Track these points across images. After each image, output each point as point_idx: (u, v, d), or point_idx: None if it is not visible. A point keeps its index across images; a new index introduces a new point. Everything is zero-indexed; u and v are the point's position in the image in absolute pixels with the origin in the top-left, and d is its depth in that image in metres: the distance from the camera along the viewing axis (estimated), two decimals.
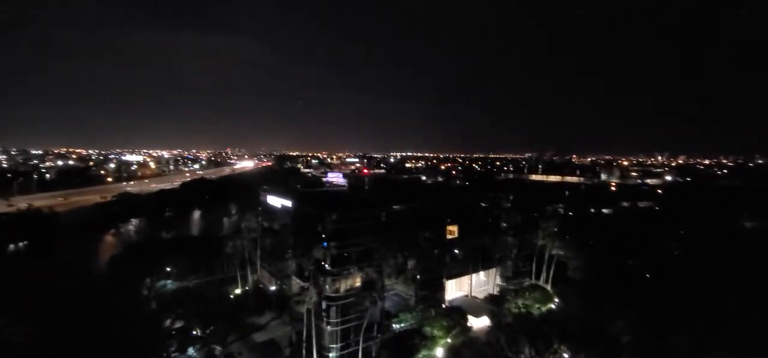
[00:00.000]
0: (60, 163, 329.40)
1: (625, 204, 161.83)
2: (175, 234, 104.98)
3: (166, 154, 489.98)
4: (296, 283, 59.86)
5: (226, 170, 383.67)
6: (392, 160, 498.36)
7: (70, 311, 64.49)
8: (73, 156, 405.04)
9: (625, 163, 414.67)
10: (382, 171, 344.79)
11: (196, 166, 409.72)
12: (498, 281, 71.64)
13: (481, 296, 69.59)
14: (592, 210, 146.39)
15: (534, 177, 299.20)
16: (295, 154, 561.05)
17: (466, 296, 69.07)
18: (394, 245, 56.58)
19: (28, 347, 52.30)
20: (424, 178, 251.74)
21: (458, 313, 56.31)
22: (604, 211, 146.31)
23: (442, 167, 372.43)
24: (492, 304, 65.13)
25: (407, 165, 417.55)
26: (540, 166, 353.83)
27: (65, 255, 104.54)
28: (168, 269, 73.60)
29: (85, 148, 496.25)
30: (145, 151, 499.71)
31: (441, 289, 63.46)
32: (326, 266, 49.67)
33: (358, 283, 50.74)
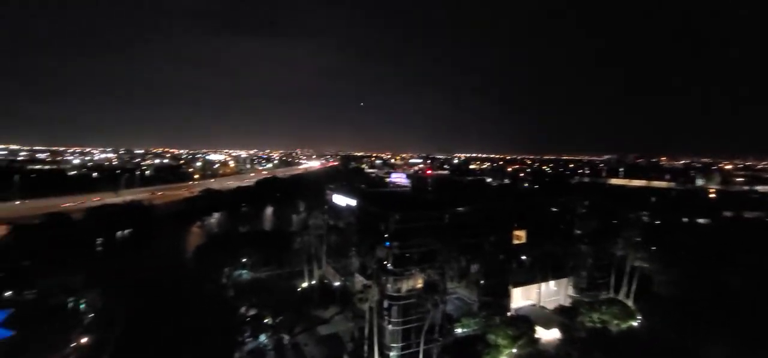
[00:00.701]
0: (157, 161, 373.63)
1: (728, 214, 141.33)
2: (250, 228, 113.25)
3: (243, 153, 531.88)
4: (359, 280, 61.27)
5: (296, 169, 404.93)
6: (456, 161, 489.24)
7: (165, 290, 73.26)
8: (168, 155, 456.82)
9: (729, 167, 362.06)
10: (446, 172, 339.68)
11: (269, 165, 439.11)
12: (570, 291, 66.75)
13: (550, 306, 65.38)
14: (685, 219, 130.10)
15: (614, 181, 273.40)
16: (359, 154, 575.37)
17: (534, 305, 65.34)
18: (456, 248, 55.39)
19: (130, 318, 60.37)
20: (489, 180, 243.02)
21: (525, 322, 53.44)
22: (700, 221, 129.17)
23: (509, 169, 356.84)
24: (563, 316, 60.82)
25: (471, 167, 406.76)
26: (621, 170, 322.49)
27: (161, 242, 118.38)
28: (244, 260, 79.70)
29: (177, 148, 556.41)
30: (225, 150, 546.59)
31: (506, 296, 60.77)
32: (388, 265, 50.13)
33: (419, 284, 50.49)
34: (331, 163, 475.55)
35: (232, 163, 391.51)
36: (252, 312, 58.08)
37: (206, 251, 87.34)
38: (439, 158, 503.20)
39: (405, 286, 50.29)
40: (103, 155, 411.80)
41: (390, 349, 49.70)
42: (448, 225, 55.52)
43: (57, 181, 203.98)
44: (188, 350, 53.94)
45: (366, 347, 49.88)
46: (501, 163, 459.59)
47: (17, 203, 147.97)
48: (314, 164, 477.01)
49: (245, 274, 78.40)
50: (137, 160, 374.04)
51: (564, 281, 67.21)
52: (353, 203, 70.95)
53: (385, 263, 50.45)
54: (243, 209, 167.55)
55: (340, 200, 76.99)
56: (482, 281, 58.49)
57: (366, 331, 50.18)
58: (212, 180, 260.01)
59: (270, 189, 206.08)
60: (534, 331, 53.13)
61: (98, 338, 53.53)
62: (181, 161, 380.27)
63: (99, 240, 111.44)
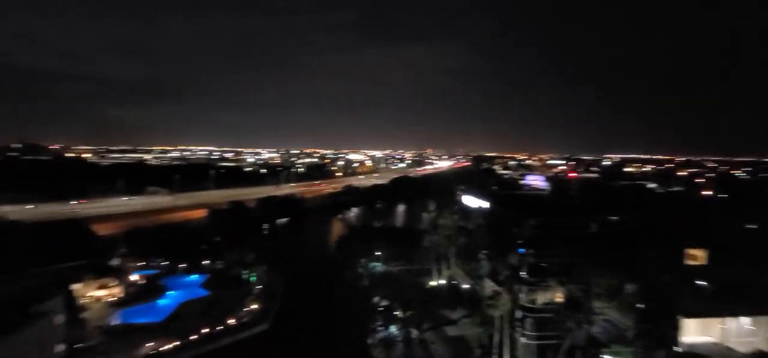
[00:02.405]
0: (308, 160, 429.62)
1: None
2: (384, 224, 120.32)
3: (378, 153, 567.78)
4: (489, 286, 58.85)
5: (427, 169, 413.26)
6: (607, 163, 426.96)
7: (313, 272, 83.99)
8: (316, 155, 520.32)
9: None
10: (594, 175, 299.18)
11: (402, 164, 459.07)
12: None
13: (742, 349, 51.10)
14: None
15: None
16: (492, 155, 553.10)
17: (716, 344, 52.03)
18: (606, 262, 48.18)
19: (287, 293, 71.07)
20: (651, 185, 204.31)
21: None
22: None
23: (681, 173, 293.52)
24: None
25: (627, 169, 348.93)
26: None
27: (310, 231, 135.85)
28: (378, 254, 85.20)
29: (323, 149, 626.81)
30: (363, 151, 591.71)
31: (674, 327, 49.96)
32: (522, 273, 46.83)
33: (559, 298, 45.73)
34: (461, 164, 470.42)
35: (368, 163, 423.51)
36: (384, 303, 61.61)
37: (346, 241, 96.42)
38: (586, 159, 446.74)
39: (541, 298, 46.16)
40: (268, 155, 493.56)
41: None
42: (595, 235, 48.83)
43: (237, 175, 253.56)
44: (330, 328, 60.60)
45: (495, 357, 47.64)
46: (669, 165, 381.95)
47: (213, 192, 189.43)
48: (445, 164, 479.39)
49: (379, 266, 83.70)
50: (293, 159, 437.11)
51: (765, 319, 51.79)
52: (484, 204, 68.66)
53: (518, 270, 47.29)
54: (378, 206, 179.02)
55: (471, 201, 75.38)
56: (639, 305, 49.45)
57: (495, 339, 47.89)
58: (352, 178, 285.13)
59: (402, 188, 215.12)
60: None
61: (264, 306, 64.41)
62: (327, 160, 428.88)
63: (265, 225, 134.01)
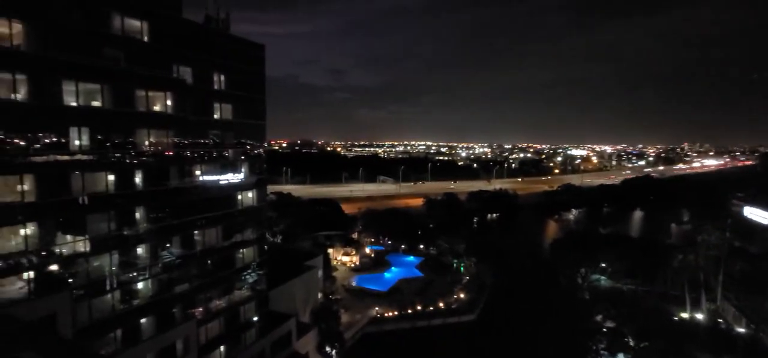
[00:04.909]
0: (521, 155, 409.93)
1: None
2: (611, 231, 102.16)
3: (608, 149, 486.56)
4: None
5: (680, 169, 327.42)
6: None
7: (524, 272, 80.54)
8: (531, 150, 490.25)
9: None
10: None
11: (641, 162, 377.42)
12: None
13: None
14: None
15: None
16: None
17: None
18: None
19: (495, 286, 70.76)
20: None
21: None
22: None
23: None
24: None
25: None
26: None
27: (522, 229, 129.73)
28: (602, 265, 73.11)
29: (539, 144, 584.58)
30: (588, 146, 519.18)
31: None
32: None
33: None
34: (740, 162, 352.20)
35: (594, 159, 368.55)
36: (609, 324, 52.39)
37: (562, 245, 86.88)
38: None
39: None
40: (481, 150, 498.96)
41: None
42: None
43: (451, 168, 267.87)
44: (540, 334, 56.28)
45: None
46: None
47: (429, 183, 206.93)
48: (710, 163, 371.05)
49: (603, 280, 71.89)
50: (505, 154, 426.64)
51: None
52: None
53: None
54: (605, 209, 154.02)
55: (757, 214, 54.48)
56: None
57: None
58: (572, 176, 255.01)
59: (640, 190, 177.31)
60: None
61: (471, 296, 65.85)
62: (542, 156, 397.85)
63: (475, 218, 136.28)
